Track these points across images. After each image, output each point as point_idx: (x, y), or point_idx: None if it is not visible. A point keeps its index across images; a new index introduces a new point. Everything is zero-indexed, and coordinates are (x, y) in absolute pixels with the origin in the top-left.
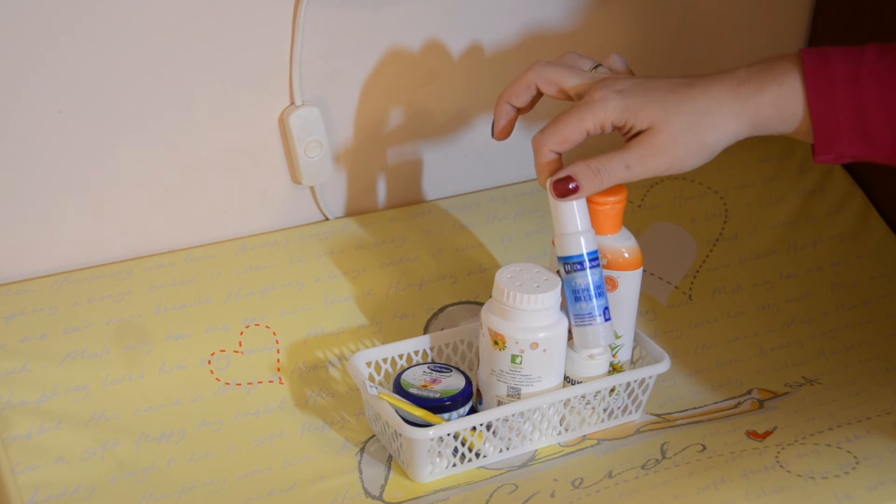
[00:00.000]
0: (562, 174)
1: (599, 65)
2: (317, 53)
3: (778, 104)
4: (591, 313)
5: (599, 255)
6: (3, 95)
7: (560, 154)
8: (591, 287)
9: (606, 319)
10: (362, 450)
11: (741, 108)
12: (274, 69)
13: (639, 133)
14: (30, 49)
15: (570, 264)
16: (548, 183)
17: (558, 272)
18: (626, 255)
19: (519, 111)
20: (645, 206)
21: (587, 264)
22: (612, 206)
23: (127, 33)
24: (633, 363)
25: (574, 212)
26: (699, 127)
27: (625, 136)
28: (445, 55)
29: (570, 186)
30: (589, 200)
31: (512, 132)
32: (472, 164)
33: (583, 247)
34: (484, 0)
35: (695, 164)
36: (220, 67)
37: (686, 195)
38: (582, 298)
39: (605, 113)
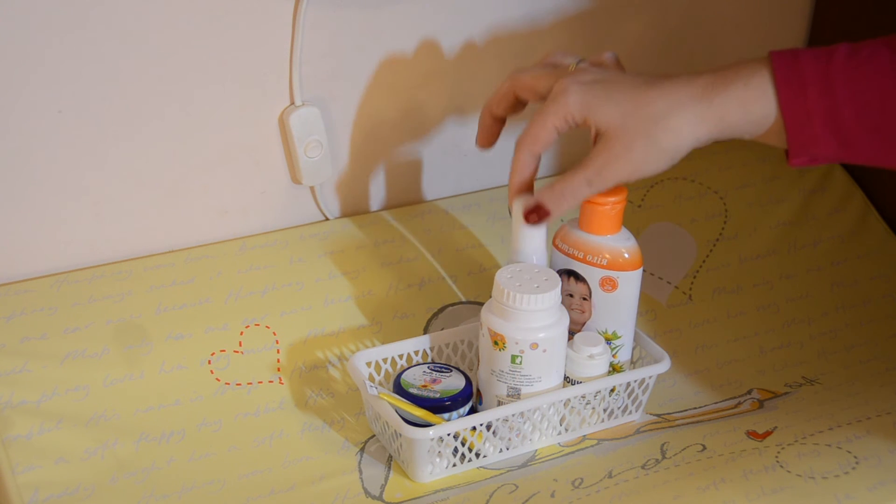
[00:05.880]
0: (531, 203)
1: (583, 60)
2: (317, 53)
3: (745, 106)
4: None
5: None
6: (2, 95)
7: (538, 156)
8: None
9: None
10: (362, 450)
11: (704, 110)
12: (274, 69)
13: (598, 135)
14: (30, 49)
15: None
16: (517, 209)
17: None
18: (626, 255)
19: (504, 120)
20: (645, 206)
21: None
22: (612, 206)
23: (127, 33)
24: (633, 363)
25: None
26: (654, 131)
27: (591, 138)
28: (445, 55)
29: (542, 212)
30: (589, 201)
31: (496, 141)
32: (472, 164)
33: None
34: (484, 0)
35: (658, 169)
36: (219, 67)
37: (686, 195)
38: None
39: (566, 107)
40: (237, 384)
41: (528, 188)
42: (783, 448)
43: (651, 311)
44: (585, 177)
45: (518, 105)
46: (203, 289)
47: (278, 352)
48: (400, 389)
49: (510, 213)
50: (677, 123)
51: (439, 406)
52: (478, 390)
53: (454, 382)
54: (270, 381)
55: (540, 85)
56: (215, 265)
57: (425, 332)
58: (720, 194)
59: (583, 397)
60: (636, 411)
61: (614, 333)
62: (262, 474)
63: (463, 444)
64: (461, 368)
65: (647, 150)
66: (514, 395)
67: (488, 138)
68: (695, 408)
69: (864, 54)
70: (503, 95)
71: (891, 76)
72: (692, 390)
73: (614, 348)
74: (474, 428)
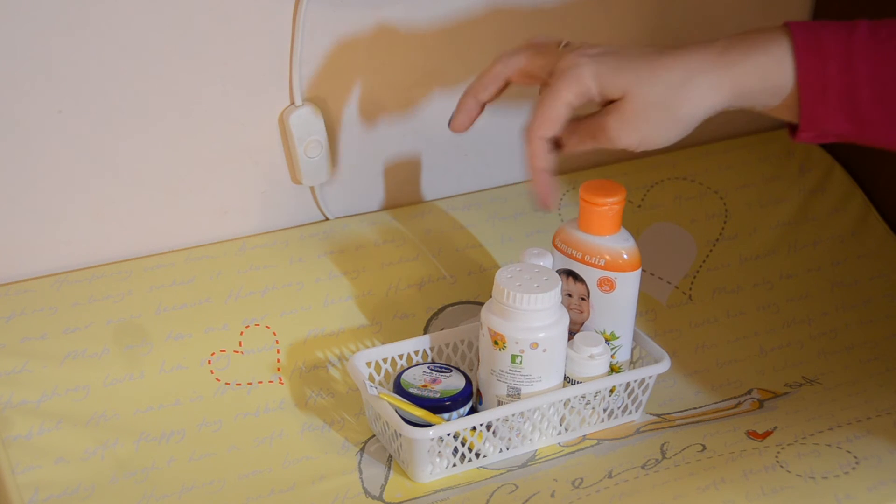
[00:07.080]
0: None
1: (569, 42)
2: (317, 53)
3: (764, 74)
4: None
5: None
6: (3, 95)
7: (552, 140)
8: None
9: None
10: (362, 450)
11: (721, 77)
12: (274, 69)
13: (610, 103)
14: (30, 49)
15: None
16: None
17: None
18: (625, 255)
19: (484, 105)
20: (645, 206)
21: None
22: (611, 206)
23: (127, 33)
24: (633, 363)
25: None
26: (674, 99)
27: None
28: (445, 54)
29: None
30: (588, 202)
31: (472, 126)
32: (472, 164)
33: None
34: (483, 1)
35: (667, 140)
36: (220, 67)
37: (686, 195)
38: None
39: (578, 80)
40: (237, 384)
41: (552, 175)
42: (783, 448)
43: (651, 311)
44: (598, 123)
45: (502, 89)
46: (203, 289)
47: (278, 352)
48: (400, 389)
49: (534, 205)
50: (695, 91)
51: (439, 406)
52: (478, 390)
53: (454, 382)
54: (270, 381)
55: (534, 67)
56: (215, 265)
57: (425, 332)
58: (720, 194)
59: (583, 397)
60: (636, 411)
61: (612, 334)
62: (262, 474)
63: (463, 444)
64: (461, 368)
65: (662, 119)
66: (514, 394)
67: (467, 122)
68: (695, 408)
69: (885, 34)
70: (493, 79)
71: None
72: (692, 390)
73: (612, 349)
74: (474, 428)
